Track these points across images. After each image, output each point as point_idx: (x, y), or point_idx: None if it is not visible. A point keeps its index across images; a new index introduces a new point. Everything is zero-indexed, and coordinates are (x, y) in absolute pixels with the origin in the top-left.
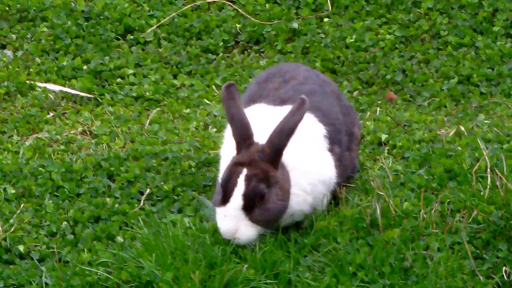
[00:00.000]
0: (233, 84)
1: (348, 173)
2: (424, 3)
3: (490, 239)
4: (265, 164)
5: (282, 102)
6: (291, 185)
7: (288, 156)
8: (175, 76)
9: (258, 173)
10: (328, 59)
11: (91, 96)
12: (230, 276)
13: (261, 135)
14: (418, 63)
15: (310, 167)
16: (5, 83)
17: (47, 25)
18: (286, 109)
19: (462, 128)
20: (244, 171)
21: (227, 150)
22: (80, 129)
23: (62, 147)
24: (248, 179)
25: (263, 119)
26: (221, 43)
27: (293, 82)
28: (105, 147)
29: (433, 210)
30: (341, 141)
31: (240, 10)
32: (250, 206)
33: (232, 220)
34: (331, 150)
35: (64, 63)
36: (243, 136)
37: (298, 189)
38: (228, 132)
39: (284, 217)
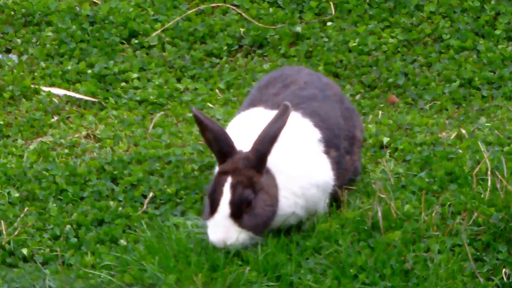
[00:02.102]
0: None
1: (349, 176)
2: (426, 7)
3: (490, 241)
4: (249, 170)
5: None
6: (280, 189)
7: (276, 161)
8: (179, 80)
9: (243, 180)
10: (331, 63)
11: (95, 100)
12: (233, 279)
13: (253, 139)
14: (420, 67)
15: (300, 171)
16: (10, 87)
17: (52, 29)
18: None
19: (463, 131)
20: (229, 179)
21: None
22: (84, 132)
23: (66, 150)
24: (233, 186)
25: (258, 123)
26: (225, 47)
27: (293, 87)
28: (109, 151)
29: (434, 213)
30: (338, 145)
31: (244, 14)
32: (238, 213)
33: (222, 229)
34: (327, 153)
35: (69, 67)
36: (225, 147)
37: (287, 193)
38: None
39: (276, 221)
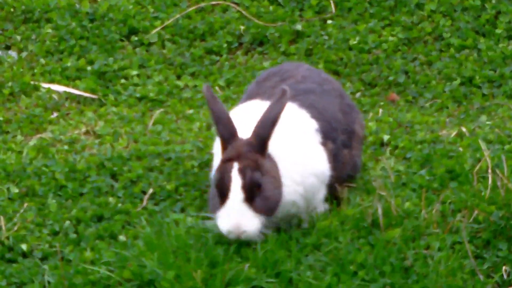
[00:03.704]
0: (210, 86)
1: (348, 171)
2: (427, 5)
3: (491, 238)
4: (254, 155)
5: None
6: (281, 176)
7: (277, 148)
8: (178, 77)
9: (250, 163)
10: (331, 61)
11: (95, 96)
12: (232, 275)
13: (250, 130)
14: (420, 65)
15: (299, 158)
16: (10, 84)
17: (52, 26)
18: None
19: (464, 129)
20: (235, 165)
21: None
22: (83, 129)
23: (66, 147)
24: (241, 171)
25: (254, 114)
26: (225, 45)
27: (290, 81)
28: (109, 147)
29: (434, 210)
30: (336, 138)
31: (244, 12)
32: (251, 196)
33: (236, 215)
34: (323, 145)
35: (69, 64)
36: (230, 133)
37: (288, 180)
38: None
39: (278, 210)
